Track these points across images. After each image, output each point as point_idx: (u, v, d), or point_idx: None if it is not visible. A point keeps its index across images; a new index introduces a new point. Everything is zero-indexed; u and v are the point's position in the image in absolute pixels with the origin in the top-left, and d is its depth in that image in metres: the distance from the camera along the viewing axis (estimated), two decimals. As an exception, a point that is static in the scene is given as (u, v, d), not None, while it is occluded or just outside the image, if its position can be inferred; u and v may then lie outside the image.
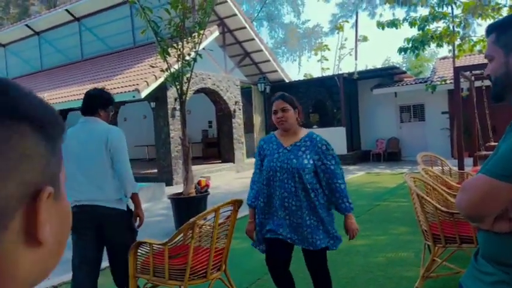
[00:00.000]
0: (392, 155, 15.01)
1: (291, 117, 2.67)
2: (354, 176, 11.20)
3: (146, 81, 10.40)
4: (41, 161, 0.45)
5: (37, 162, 0.44)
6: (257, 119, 16.18)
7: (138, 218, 3.01)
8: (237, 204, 2.96)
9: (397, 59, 31.88)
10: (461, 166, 7.04)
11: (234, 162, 13.89)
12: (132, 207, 3.02)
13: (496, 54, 1.22)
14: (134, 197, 2.96)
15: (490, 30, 1.25)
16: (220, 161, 14.31)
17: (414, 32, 10.06)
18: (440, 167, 5.69)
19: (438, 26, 9.82)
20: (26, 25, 16.89)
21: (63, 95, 12.68)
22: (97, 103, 2.94)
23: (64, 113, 14.06)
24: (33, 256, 0.44)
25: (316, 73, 31.99)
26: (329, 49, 29.91)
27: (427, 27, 9.81)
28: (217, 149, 15.61)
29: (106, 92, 3.06)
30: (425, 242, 3.41)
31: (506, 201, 1.12)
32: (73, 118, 18.14)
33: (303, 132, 2.73)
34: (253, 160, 10.44)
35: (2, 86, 0.46)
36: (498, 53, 1.22)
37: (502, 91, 1.26)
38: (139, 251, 2.91)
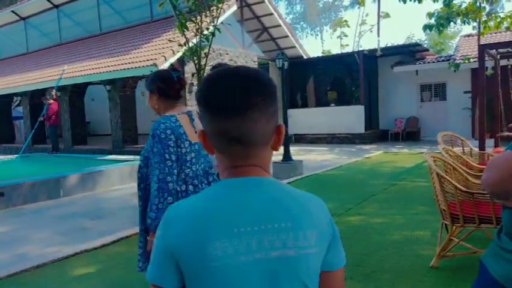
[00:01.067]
0: (410, 134, 14.80)
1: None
2: (372, 155, 11.12)
3: (164, 56, 10.39)
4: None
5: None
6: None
7: None
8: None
9: (419, 36, 31.01)
10: (482, 147, 6.92)
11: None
12: None
13: None
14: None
15: None
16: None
17: (436, 6, 9.70)
18: (461, 148, 5.59)
19: (464, 1, 9.44)
20: (45, -2, 16.93)
21: (82, 69, 12.79)
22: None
23: (83, 86, 14.25)
24: (270, 155, 0.90)
25: (336, 50, 31.44)
26: (348, 26, 29.27)
27: (452, 2, 9.46)
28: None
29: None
30: (443, 221, 3.39)
31: None
32: (92, 91, 18.38)
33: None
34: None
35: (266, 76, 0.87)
36: None
37: None
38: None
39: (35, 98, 15.19)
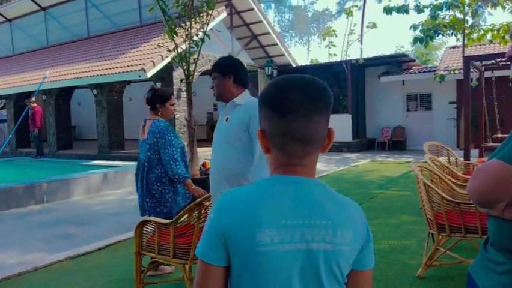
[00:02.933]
0: (397, 143, 14.96)
1: None
2: (358, 163, 11.19)
3: (152, 61, 10.34)
4: None
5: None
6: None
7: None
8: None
9: (407, 47, 31.52)
10: (467, 157, 7.01)
11: (237, 146, 13.88)
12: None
13: None
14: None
15: None
16: (224, 144, 14.28)
17: (421, 18, 9.87)
18: (446, 157, 5.66)
19: (448, 13, 9.61)
20: (32, 0, 16.71)
21: (68, 72, 12.63)
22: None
23: (70, 90, 14.07)
24: (318, 157, 0.99)
25: (324, 59, 31.70)
26: (336, 35, 29.55)
27: (438, 14, 9.61)
28: (221, 131, 15.55)
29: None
30: (429, 230, 3.41)
31: None
32: (79, 95, 18.16)
33: None
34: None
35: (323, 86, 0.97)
36: None
37: None
38: (144, 229, 2.92)
39: (20, 101, 14.92)
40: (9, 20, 18.55)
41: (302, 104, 0.93)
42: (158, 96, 3.52)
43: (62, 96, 14.07)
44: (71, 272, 3.75)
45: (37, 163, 11.70)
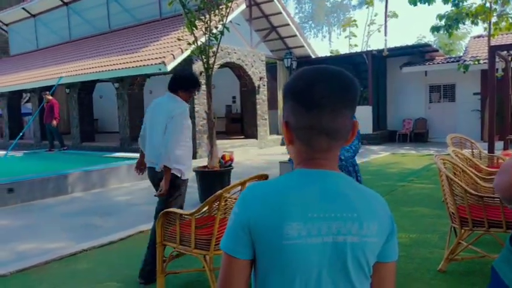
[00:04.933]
0: (418, 135, 14.71)
1: None
2: (379, 156, 11.07)
3: (172, 54, 10.42)
4: None
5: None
6: (281, 96, 16.04)
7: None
8: (263, 178, 2.97)
9: (429, 37, 30.74)
10: (491, 149, 6.86)
11: (257, 139, 13.92)
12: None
13: None
14: (165, 170, 3.20)
15: None
16: (243, 137, 14.36)
17: (447, 8, 9.62)
18: (470, 150, 5.54)
19: (474, 2, 9.35)
20: (55, -5, 17.05)
21: (91, 66, 12.86)
22: (178, 83, 3.48)
23: (92, 83, 14.33)
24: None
25: (344, 50, 31.30)
26: (356, 25, 29.12)
27: (462, 3, 9.37)
28: (240, 124, 15.63)
29: (189, 74, 3.61)
30: (452, 224, 3.36)
31: None
32: (101, 89, 18.48)
33: None
34: (276, 137, 10.55)
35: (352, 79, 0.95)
36: None
37: None
38: (166, 220, 2.98)
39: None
40: (34, 16, 18.97)
41: (329, 98, 0.91)
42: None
43: (85, 89, 14.34)
44: (95, 261, 3.87)
45: (61, 155, 11.99)
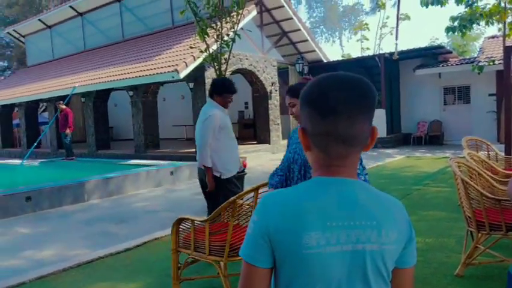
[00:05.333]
0: (433, 138, 14.52)
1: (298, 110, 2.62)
2: (394, 159, 10.96)
3: (185, 62, 10.53)
4: None
5: None
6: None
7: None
8: (275, 184, 2.97)
9: (442, 39, 30.46)
10: (508, 151, 6.74)
11: (269, 144, 13.93)
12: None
13: None
14: (205, 169, 3.76)
15: None
16: (256, 142, 14.39)
17: (460, 9, 9.54)
18: (486, 152, 5.46)
19: (488, 2, 9.24)
20: (70, 6, 17.41)
21: (105, 75, 13.07)
22: (211, 89, 3.85)
23: (107, 92, 14.56)
24: (360, 156, 1.00)
25: (356, 54, 31.16)
26: (368, 29, 29.01)
27: (476, 4, 9.26)
28: (253, 130, 15.67)
29: (221, 81, 3.96)
30: (468, 228, 3.32)
31: None
32: (115, 97, 18.74)
33: None
34: (289, 142, 10.14)
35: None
36: None
37: None
38: (181, 226, 3.01)
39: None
40: (49, 27, 19.40)
41: (346, 105, 0.91)
42: None
43: (100, 98, 14.58)
44: (112, 268, 3.91)
45: (76, 163, 12.17)
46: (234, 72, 12.57)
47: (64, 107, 12.36)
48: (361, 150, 0.96)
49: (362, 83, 0.94)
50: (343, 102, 0.90)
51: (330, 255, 0.88)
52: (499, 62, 11.25)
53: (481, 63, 11.79)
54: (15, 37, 21.85)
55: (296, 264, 0.89)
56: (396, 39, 14.60)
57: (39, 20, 19.32)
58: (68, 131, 12.25)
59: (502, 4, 9.08)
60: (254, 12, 12.67)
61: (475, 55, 16.13)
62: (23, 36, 21.34)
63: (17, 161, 13.49)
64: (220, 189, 3.76)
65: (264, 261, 0.91)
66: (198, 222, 2.90)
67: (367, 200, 0.93)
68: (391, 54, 14.42)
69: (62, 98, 13.60)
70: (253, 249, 0.92)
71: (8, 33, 22.09)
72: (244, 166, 6.61)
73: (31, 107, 17.65)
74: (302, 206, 0.90)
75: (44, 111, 20.91)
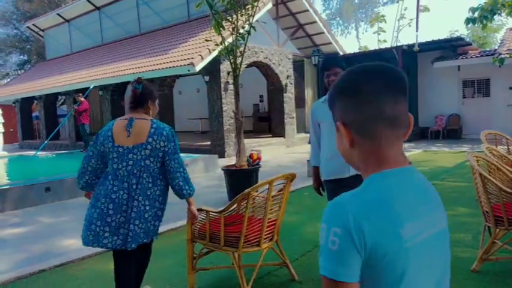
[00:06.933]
0: (452, 132, 14.29)
1: None
2: (410, 153, 10.83)
3: (200, 55, 10.56)
4: None
5: None
6: (309, 93, 15.95)
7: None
8: (290, 178, 2.99)
9: (462, 31, 29.78)
10: (529, 146, 6.57)
11: (284, 137, 13.91)
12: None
13: None
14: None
15: None
16: (270, 136, 14.38)
17: (480, 1, 9.28)
18: (506, 146, 5.36)
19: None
20: (88, 0, 17.59)
21: (122, 68, 13.22)
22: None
23: (124, 85, 14.72)
24: None
25: (373, 46, 30.75)
26: (385, 21, 28.53)
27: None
28: (268, 123, 15.66)
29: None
30: (486, 223, 3.27)
31: None
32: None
33: None
34: (303, 135, 10.52)
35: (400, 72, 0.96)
36: None
37: None
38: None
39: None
40: (68, 21, 19.66)
41: (387, 85, 0.92)
42: (151, 92, 2.87)
43: (117, 91, 14.75)
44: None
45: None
46: (249, 65, 12.56)
47: (82, 99, 12.58)
48: (404, 134, 0.96)
49: (394, 68, 0.97)
50: (384, 84, 0.92)
51: (422, 243, 0.89)
52: (521, 54, 10.96)
53: (502, 56, 11.51)
54: (34, 31, 22.25)
55: (399, 262, 0.84)
56: (417, 30, 14.31)
57: (57, 14, 19.61)
58: (85, 122, 12.51)
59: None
60: (270, 5, 12.60)
61: (496, 47, 15.75)
62: (42, 31, 21.70)
63: (31, 152, 13.78)
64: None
65: (355, 275, 0.83)
66: (213, 213, 2.93)
67: (426, 184, 0.97)
68: (409, 46, 14.17)
69: (81, 91, 13.83)
70: (343, 264, 0.83)
71: (27, 27, 22.50)
72: (259, 159, 6.65)
73: (50, 100, 17.98)
74: (390, 202, 0.87)
75: (62, 104, 21.29)
